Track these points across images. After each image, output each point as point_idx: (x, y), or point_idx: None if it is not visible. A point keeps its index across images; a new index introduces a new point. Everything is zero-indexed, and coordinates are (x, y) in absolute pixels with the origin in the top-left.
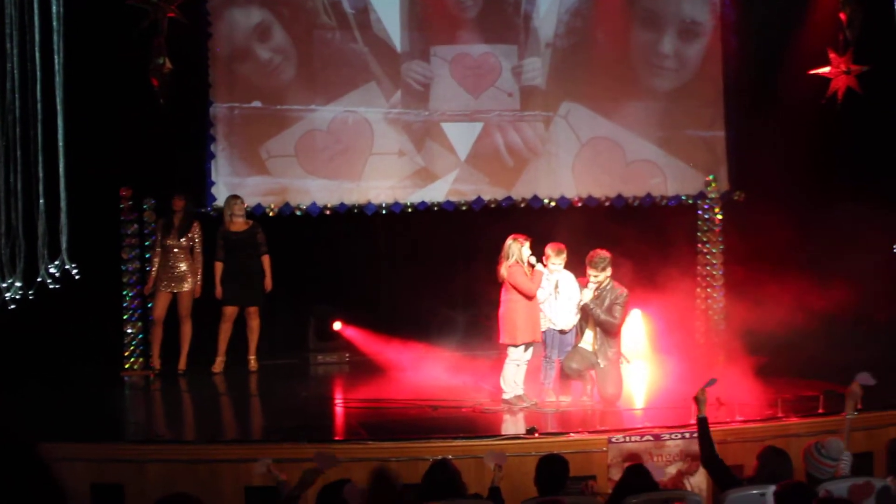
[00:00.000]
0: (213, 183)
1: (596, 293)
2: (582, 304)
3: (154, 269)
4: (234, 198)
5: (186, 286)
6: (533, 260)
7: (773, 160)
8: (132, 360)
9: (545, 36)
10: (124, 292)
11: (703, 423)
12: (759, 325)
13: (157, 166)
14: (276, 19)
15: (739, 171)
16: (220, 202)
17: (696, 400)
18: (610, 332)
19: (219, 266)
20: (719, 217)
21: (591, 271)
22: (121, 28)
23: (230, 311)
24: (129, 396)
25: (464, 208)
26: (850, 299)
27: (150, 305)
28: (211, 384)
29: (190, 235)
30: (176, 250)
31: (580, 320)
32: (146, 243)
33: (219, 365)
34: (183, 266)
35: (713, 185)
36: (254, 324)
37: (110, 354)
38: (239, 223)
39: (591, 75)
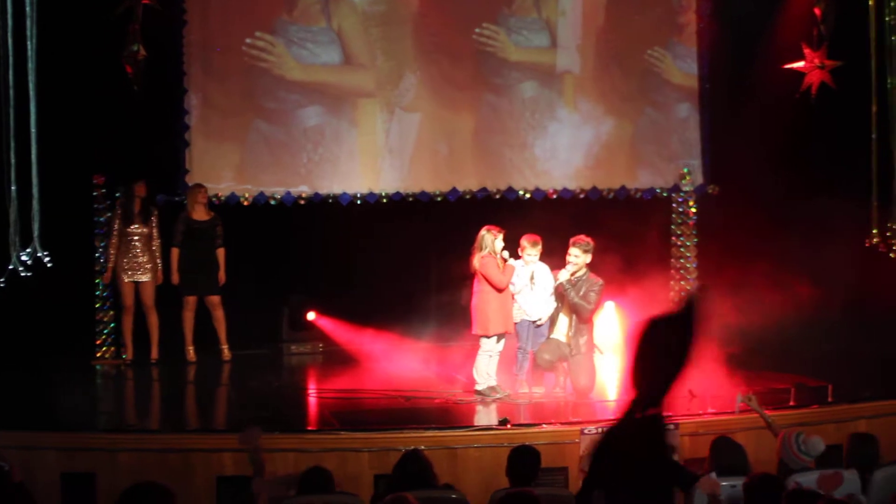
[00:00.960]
0: (186, 171)
1: (572, 279)
2: (557, 283)
3: (112, 257)
4: (198, 186)
5: (147, 276)
6: (506, 254)
7: (748, 154)
8: (104, 348)
9: None
10: (97, 281)
11: None
12: (732, 317)
13: (131, 154)
14: None
15: (714, 164)
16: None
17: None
18: (583, 316)
19: (175, 252)
20: (693, 210)
21: (573, 250)
22: (95, 14)
23: (191, 300)
24: (100, 385)
25: (439, 199)
26: (823, 293)
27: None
28: (183, 374)
29: (150, 223)
30: (136, 238)
31: (554, 311)
32: (111, 229)
33: (191, 353)
34: (143, 255)
35: (687, 178)
36: (218, 314)
37: (82, 343)
38: (201, 212)
39: None
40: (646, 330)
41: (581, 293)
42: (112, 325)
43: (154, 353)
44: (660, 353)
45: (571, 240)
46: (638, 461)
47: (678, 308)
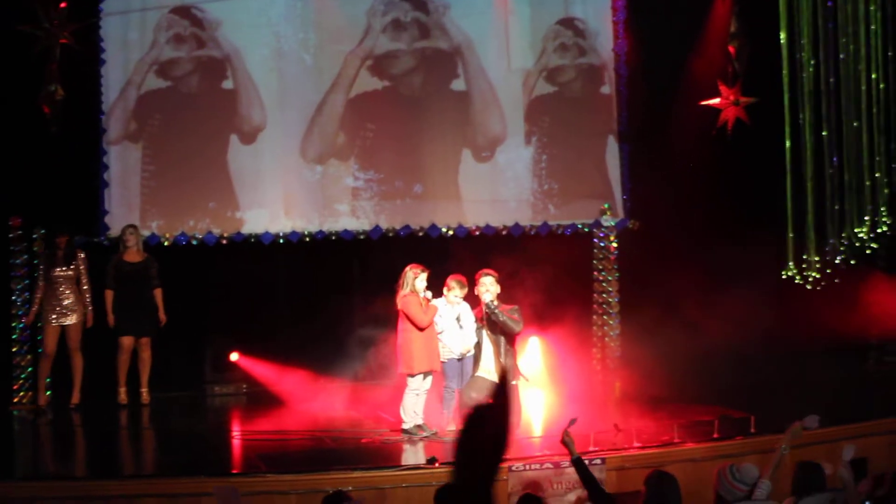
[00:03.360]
0: (106, 212)
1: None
2: (483, 306)
3: (36, 301)
4: (128, 227)
5: (74, 319)
6: (429, 294)
7: (667, 189)
8: (21, 393)
9: None
10: (13, 324)
11: (578, 463)
12: (654, 351)
13: (49, 195)
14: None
15: (634, 200)
16: (113, 231)
17: (564, 443)
18: (514, 333)
19: (109, 294)
20: (614, 245)
21: (486, 279)
22: (12, 54)
23: (127, 342)
24: (17, 431)
25: (362, 237)
26: (743, 325)
27: (39, 338)
28: (104, 418)
29: (74, 265)
30: (60, 281)
31: (476, 348)
32: (36, 274)
33: (122, 395)
34: (69, 298)
35: (608, 213)
36: (145, 356)
37: None
38: (133, 253)
39: None
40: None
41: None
42: (30, 369)
43: (75, 398)
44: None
45: (481, 272)
46: None
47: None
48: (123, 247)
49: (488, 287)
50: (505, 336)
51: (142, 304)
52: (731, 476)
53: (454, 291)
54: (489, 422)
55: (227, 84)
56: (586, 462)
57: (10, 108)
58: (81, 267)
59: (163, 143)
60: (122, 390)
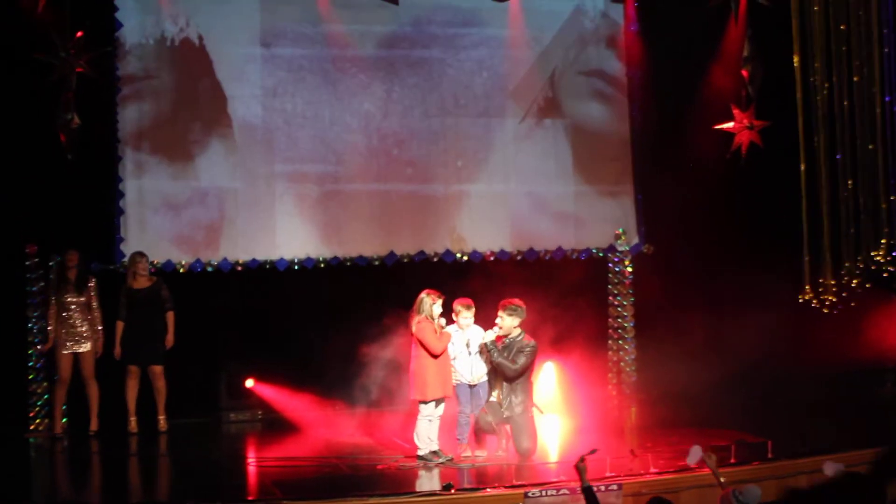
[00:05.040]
0: (121, 239)
1: (505, 342)
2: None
3: (51, 326)
4: (138, 255)
5: (88, 346)
6: (443, 321)
7: (682, 213)
8: (38, 420)
9: None
10: (30, 351)
11: (588, 492)
12: (670, 375)
13: (65, 222)
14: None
15: (648, 224)
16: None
17: (577, 469)
18: (507, 375)
19: (120, 325)
20: (629, 270)
21: (500, 313)
22: (29, 82)
23: (134, 370)
24: (34, 459)
25: (376, 263)
26: (759, 349)
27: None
28: (121, 445)
29: (87, 291)
30: (73, 307)
31: (490, 374)
32: (46, 298)
33: (133, 424)
34: (82, 325)
35: (622, 238)
36: (160, 384)
37: (15, 415)
38: (142, 280)
39: None
40: None
41: (511, 354)
42: (46, 396)
43: (94, 425)
44: None
45: (500, 303)
46: None
47: None
48: (134, 275)
49: (498, 321)
50: (500, 373)
51: (152, 330)
52: (735, 500)
53: (462, 314)
54: None
55: None
56: (599, 488)
57: (27, 136)
58: (93, 293)
59: (177, 171)
60: (133, 420)
